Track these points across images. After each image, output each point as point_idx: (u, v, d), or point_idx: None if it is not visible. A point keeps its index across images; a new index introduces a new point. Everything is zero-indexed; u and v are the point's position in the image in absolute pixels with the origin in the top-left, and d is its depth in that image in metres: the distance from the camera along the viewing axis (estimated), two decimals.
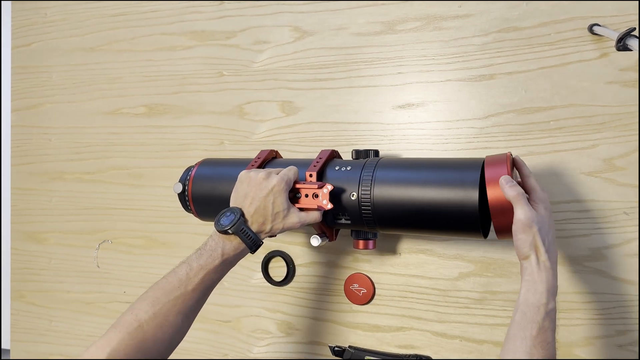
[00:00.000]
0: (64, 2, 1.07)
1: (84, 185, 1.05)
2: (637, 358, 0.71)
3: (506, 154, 0.61)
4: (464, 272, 0.78)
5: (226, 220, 0.63)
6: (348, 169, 0.68)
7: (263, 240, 0.65)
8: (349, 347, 0.81)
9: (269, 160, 0.76)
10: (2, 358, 1.31)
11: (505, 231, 0.58)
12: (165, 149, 0.98)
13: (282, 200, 0.63)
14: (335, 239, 0.75)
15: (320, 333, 0.87)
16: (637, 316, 0.71)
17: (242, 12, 0.93)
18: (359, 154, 0.73)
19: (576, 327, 0.73)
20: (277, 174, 0.65)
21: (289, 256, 0.88)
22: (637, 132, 0.70)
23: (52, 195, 1.08)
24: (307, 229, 0.70)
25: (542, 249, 0.55)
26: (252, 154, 0.79)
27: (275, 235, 0.66)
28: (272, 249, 0.89)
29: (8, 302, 1.12)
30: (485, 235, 0.63)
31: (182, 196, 0.78)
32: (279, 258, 0.89)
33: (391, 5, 0.83)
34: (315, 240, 0.71)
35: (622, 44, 0.67)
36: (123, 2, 1.02)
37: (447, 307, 0.79)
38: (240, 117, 0.92)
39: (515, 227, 0.56)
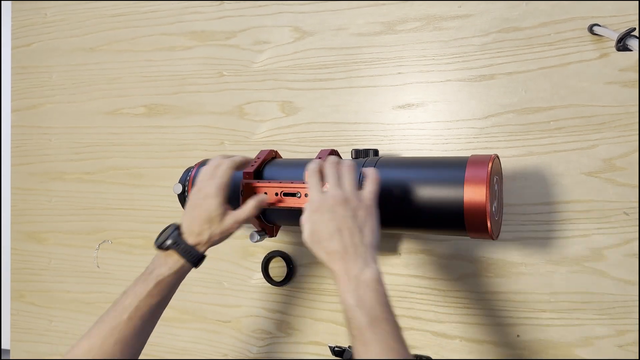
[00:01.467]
0: (64, 2, 1.07)
1: (83, 185, 1.05)
2: (637, 358, 0.71)
3: (491, 155, 0.61)
4: (464, 272, 0.78)
5: (162, 236, 0.61)
6: None
7: (204, 253, 0.62)
8: (349, 347, 0.81)
9: (268, 160, 0.76)
10: (2, 358, 1.31)
11: (475, 232, 0.59)
12: (165, 149, 0.98)
13: (216, 204, 0.61)
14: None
15: (320, 333, 0.87)
16: (637, 316, 0.71)
17: (242, 12, 0.93)
18: (359, 154, 0.73)
19: (576, 327, 0.73)
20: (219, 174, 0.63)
21: (289, 256, 0.88)
22: (637, 132, 0.70)
23: (52, 195, 1.07)
24: (294, 228, 0.69)
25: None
26: (252, 154, 0.79)
27: (218, 243, 0.63)
28: (272, 249, 0.89)
29: (8, 302, 1.12)
30: None
31: (182, 197, 0.77)
32: (279, 258, 0.89)
33: (391, 5, 0.83)
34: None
35: (622, 44, 0.67)
36: (123, 2, 1.02)
37: (447, 307, 0.79)
38: (240, 117, 0.92)
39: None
